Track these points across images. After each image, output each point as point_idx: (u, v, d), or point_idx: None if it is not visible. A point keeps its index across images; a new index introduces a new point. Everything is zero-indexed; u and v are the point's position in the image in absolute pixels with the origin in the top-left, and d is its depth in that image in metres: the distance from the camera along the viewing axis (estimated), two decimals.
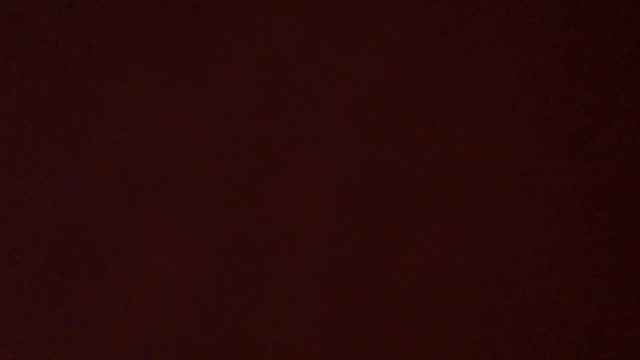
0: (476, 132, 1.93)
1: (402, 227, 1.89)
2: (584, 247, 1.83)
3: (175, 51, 2.09)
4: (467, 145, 1.92)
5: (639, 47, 1.92)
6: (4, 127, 2.09)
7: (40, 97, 2.10)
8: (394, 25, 2.03)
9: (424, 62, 1.99)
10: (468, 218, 1.87)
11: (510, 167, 1.89)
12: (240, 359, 1.86)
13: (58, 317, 1.93)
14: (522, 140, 1.91)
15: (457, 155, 1.92)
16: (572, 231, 1.84)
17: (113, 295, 1.93)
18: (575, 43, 1.95)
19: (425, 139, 1.94)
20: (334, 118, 1.99)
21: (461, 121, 1.94)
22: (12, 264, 1.98)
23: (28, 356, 1.92)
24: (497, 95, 1.94)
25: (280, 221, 1.93)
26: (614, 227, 1.83)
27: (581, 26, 1.96)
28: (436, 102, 1.96)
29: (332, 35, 2.05)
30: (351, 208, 1.92)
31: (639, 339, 1.76)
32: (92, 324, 1.92)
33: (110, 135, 2.04)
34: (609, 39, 1.94)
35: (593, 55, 1.94)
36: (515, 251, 1.84)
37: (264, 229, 1.94)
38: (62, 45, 2.12)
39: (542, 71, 1.94)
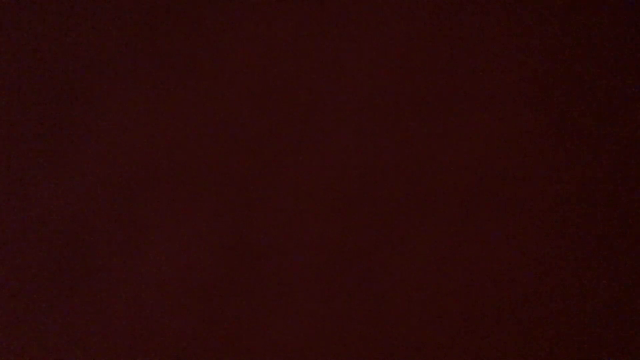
0: (476, 132, 1.92)
1: (402, 227, 1.89)
2: (583, 247, 1.83)
3: (175, 51, 2.09)
4: (467, 145, 1.92)
5: (639, 48, 1.92)
6: (4, 127, 2.08)
7: (40, 97, 2.09)
8: (394, 25, 2.03)
9: (424, 62, 1.99)
10: (468, 218, 1.87)
11: (510, 166, 1.89)
12: (240, 359, 1.85)
13: (58, 316, 1.93)
14: (521, 140, 1.91)
15: (457, 155, 1.92)
16: (571, 231, 1.84)
17: (113, 294, 1.93)
18: (575, 43, 1.95)
19: (425, 139, 1.94)
20: (334, 118, 1.99)
21: (461, 121, 1.94)
22: (12, 264, 1.98)
23: (28, 355, 1.92)
24: (496, 95, 1.94)
25: (280, 221, 1.93)
26: (614, 227, 1.83)
27: (581, 26, 1.96)
28: (436, 102, 1.96)
29: (332, 36, 2.05)
30: (351, 207, 1.92)
31: (639, 339, 1.76)
32: (91, 322, 1.92)
33: (111, 135, 2.04)
34: (609, 39, 1.94)
35: (593, 55, 1.94)
36: (515, 251, 1.84)
37: (264, 228, 1.93)
38: (62, 45, 2.12)
39: (542, 71, 1.94)
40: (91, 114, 2.07)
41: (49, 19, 2.14)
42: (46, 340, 1.92)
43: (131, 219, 1.98)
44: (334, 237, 1.91)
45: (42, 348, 1.92)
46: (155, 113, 2.05)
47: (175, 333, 1.89)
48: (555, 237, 1.84)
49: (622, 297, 1.79)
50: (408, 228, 1.89)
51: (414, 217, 1.89)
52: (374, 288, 1.86)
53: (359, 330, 1.84)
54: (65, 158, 2.04)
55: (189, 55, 2.08)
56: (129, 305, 1.92)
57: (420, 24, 2.02)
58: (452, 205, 1.89)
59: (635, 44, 1.92)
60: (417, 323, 1.83)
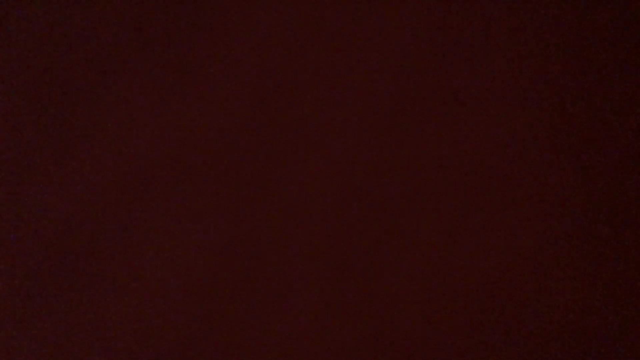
0: (476, 132, 1.93)
1: (402, 228, 1.89)
2: (583, 247, 1.83)
3: (176, 51, 2.09)
4: (467, 145, 1.92)
5: (639, 47, 1.92)
6: (4, 127, 2.08)
7: (41, 96, 2.10)
8: (394, 25, 2.03)
9: (424, 62, 1.99)
10: (467, 218, 1.87)
11: (509, 167, 1.89)
12: (240, 359, 1.86)
13: (57, 316, 1.93)
14: (521, 140, 1.91)
15: (457, 155, 1.92)
16: (571, 231, 1.84)
17: (112, 294, 1.93)
18: (575, 44, 1.95)
19: (425, 140, 1.94)
20: (334, 118, 1.99)
21: (461, 121, 1.94)
22: (11, 264, 1.98)
23: (28, 356, 1.92)
24: (496, 95, 1.94)
25: (281, 221, 1.93)
26: (613, 228, 1.83)
27: (581, 26, 1.96)
28: (436, 102, 1.96)
29: (333, 35, 2.05)
30: (351, 208, 1.92)
31: (639, 339, 1.76)
32: (91, 323, 1.92)
33: (111, 134, 2.04)
34: (608, 39, 1.94)
35: (593, 55, 1.94)
36: (514, 251, 1.84)
37: (264, 228, 1.93)
38: (62, 45, 2.12)
39: (542, 72, 1.94)
40: (91, 113, 2.07)
41: (49, 18, 2.14)
42: (44, 340, 1.92)
43: (132, 219, 1.98)
44: (335, 237, 1.91)
45: (39, 347, 1.92)
46: (155, 113, 2.05)
47: (175, 333, 1.89)
48: (555, 236, 1.84)
49: (622, 297, 1.79)
50: (409, 228, 1.89)
51: (415, 217, 1.89)
52: (376, 288, 1.86)
53: (360, 330, 1.84)
54: (64, 157, 2.04)
55: (191, 55, 2.08)
56: (128, 304, 1.92)
57: (420, 24, 2.02)
58: (454, 205, 1.89)
59: (636, 44, 1.93)
60: (420, 323, 1.83)
